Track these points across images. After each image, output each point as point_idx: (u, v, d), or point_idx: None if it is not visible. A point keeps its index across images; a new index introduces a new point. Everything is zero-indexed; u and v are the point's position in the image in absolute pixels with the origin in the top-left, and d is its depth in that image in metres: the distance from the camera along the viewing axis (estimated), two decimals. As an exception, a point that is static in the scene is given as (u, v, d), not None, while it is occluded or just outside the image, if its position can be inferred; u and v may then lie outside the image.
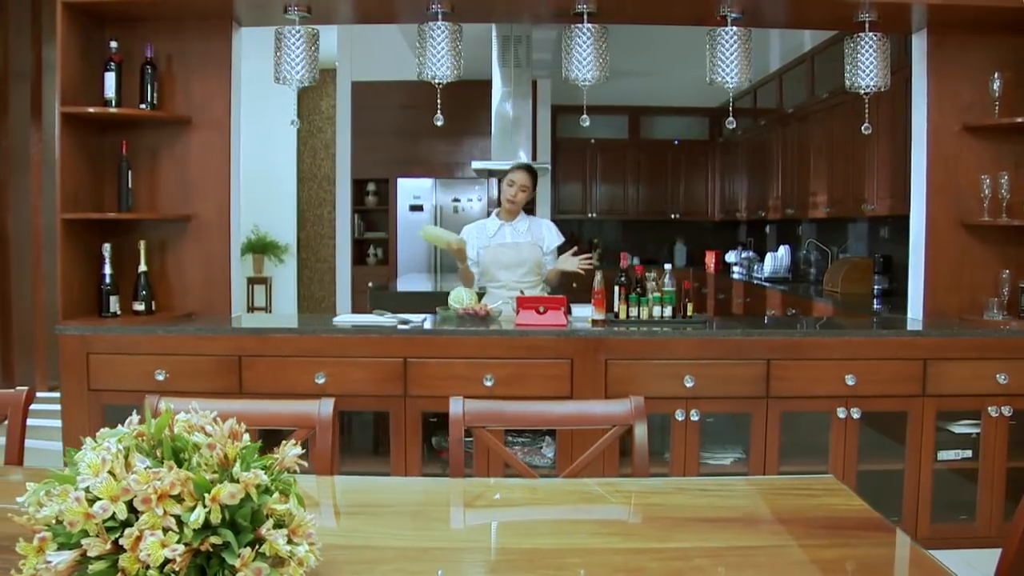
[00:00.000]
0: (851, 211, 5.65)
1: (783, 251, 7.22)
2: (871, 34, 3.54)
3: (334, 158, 10.07)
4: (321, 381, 3.36)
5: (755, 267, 7.66)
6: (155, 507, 1.12)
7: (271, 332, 3.44)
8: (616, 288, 3.70)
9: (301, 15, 3.54)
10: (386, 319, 3.69)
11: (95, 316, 3.59)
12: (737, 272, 8.06)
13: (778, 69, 7.08)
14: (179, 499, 1.15)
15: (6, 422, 2.07)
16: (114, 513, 1.13)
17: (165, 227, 3.79)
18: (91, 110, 3.52)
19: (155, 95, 3.63)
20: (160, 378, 3.37)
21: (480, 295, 4.05)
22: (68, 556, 1.14)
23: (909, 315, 3.94)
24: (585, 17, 3.56)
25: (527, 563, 1.48)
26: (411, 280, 7.67)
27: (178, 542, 1.12)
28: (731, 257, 8.37)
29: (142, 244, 3.64)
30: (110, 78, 3.52)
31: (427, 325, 3.57)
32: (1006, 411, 3.42)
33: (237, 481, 1.18)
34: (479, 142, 9.63)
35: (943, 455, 3.51)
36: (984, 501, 3.46)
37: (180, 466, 1.20)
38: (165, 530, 1.13)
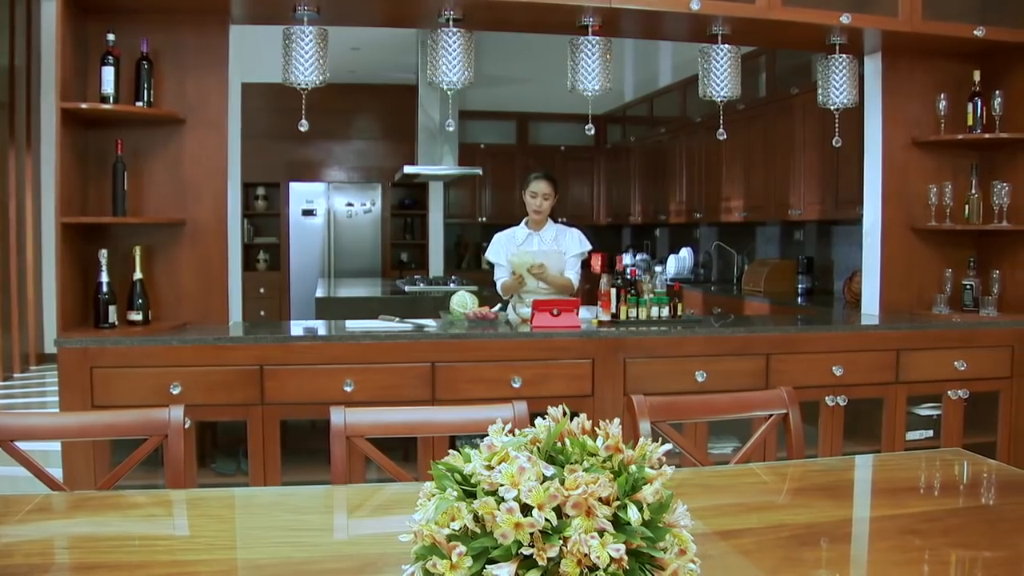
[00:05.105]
0: (772, 215, 6.09)
1: (686, 253, 7.65)
2: (842, 56, 3.89)
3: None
4: (349, 389, 3.29)
5: (656, 268, 8.05)
6: (596, 511, 1.15)
7: (295, 340, 3.34)
8: (614, 290, 3.86)
9: (310, 15, 3.45)
10: (395, 324, 3.65)
11: (90, 327, 3.33)
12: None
13: (683, 80, 7.49)
14: (605, 502, 1.18)
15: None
16: (547, 520, 1.15)
17: (157, 232, 3.56)
18: (84, 106, 3.26)
19: (151, 92, 3.41)
20: (175, 392, 3.17)
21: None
22: (511, 568, 1.14)
23: (864, 311, 4.35)
24: (590, 30, 3.69)
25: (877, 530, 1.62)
26: (324, 286, 7.51)
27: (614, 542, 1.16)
28: (627, 259, 8.75)
29: (137, 250, 3.40)
30: (108, 73, 3.27)
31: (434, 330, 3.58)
32: (963, 394, 3.86)
33: (643, 481, 1.22)
34: (373, 146, 9.52)
35: (910, 436, 3.92)
36: (943, 475, 3.89)
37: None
38: (600, 532, 1.16)
